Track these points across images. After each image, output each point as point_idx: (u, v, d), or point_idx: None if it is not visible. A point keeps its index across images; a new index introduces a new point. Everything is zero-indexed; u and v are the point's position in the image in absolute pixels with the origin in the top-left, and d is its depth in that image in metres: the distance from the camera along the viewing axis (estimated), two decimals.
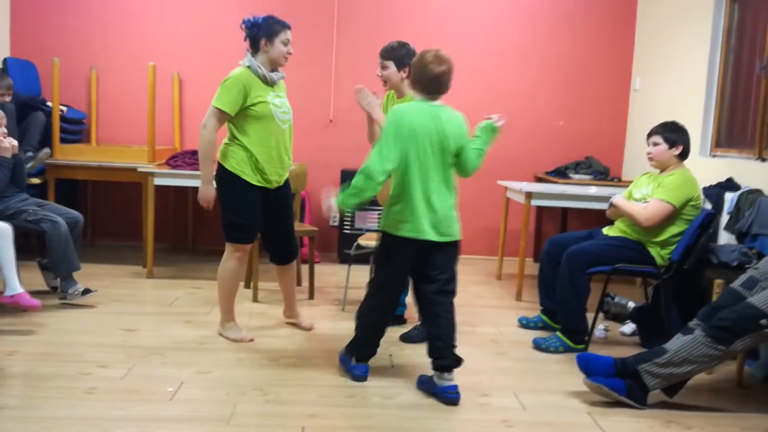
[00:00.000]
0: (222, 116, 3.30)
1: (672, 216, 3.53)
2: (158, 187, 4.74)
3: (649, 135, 3.71)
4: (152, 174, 4.64)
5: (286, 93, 3.51)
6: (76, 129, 5.52)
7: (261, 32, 3.31)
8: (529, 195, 4.56)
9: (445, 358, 2.87)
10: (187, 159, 4.79)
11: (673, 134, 3.64)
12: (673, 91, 5.21)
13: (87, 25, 5.63)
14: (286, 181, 3.54)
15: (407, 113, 2.89)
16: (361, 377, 3.04)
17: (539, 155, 5.97)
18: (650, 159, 3.71)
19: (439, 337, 2.89)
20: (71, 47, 5.59)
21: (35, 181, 4.86)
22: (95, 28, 5.64)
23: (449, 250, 2.95)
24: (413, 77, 2.97)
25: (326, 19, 5.74)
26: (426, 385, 2.95)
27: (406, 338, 3.63)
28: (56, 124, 5.02)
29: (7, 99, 4.74)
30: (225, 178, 3.35)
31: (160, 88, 5.38)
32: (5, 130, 3.96)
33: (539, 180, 5.81)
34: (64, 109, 5.24)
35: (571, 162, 5.85)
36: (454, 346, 2.90)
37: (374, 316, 3.06)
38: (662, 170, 3.70)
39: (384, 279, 3.02)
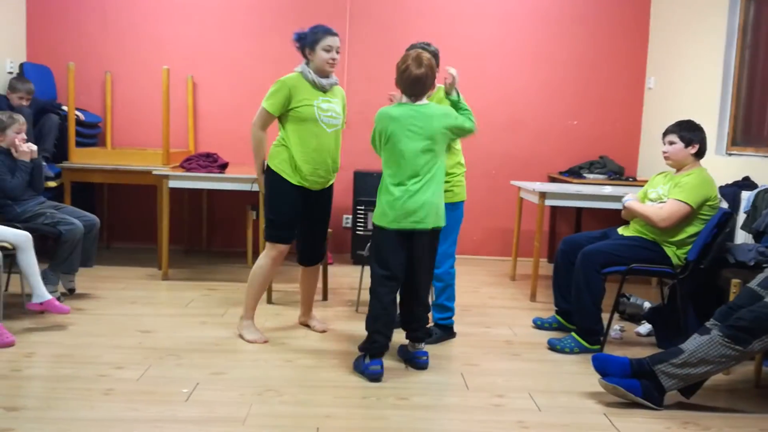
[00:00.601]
0: (267, 116, 3.42)
1: (689, 216, 3.50)
2: (173, 190, 4.77)
3: (665, 134, 3.68)
4: (167, 177, 4.67)
5: (343, 100, 3.59)
6: (91, 133, 5.57)
7: (306, 42, 3.42)
8: (543, 195, 4.53)
9: (420, 331, 3.26)
10: (201, 161, 4.82)
11: (689, 133, 3.60)
12: (687, 89, 5.17)
13: (101, 30, 5.68)
14: (330, 186, 3.60)
15: (386, 116, 3.09)
16: (375, 375, 3.04)
17: (553, 155, 5.95)
18: (666, 158, 3.68)
19: (418, 315, 3.24)
20: (86, 52, 5.64)
21: (52, 184, 4.91)
22: (110, 32, 5.69)
23: (431, 238, 3.17)
24: (396, 79, 3.13)
25: (338, 22, 5.74)
26: (402, 353, 3.34)
27: None
28: (72, 127, 5.07)
29: (25, 103, 4.81)
30: (269, 176, 3.48)
31: (173, 91, 5.42)
32: (24, 136, 4.03)
33: (553, 180, 5.78)
34: (81, 115, 5.29)
35: (585, 162, 5.82)
36: (427, 322, 3.32)
37: (379, 306, 3.10)
38: (678, 169, 3.67)
39: (378, 267, 3.11)
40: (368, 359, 3.09)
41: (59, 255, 4.01)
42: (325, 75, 3.44)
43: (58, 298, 4.01)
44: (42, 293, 3.60)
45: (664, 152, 3.67)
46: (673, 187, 3.59)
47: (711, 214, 3.53)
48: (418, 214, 3.06)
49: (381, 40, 5.70)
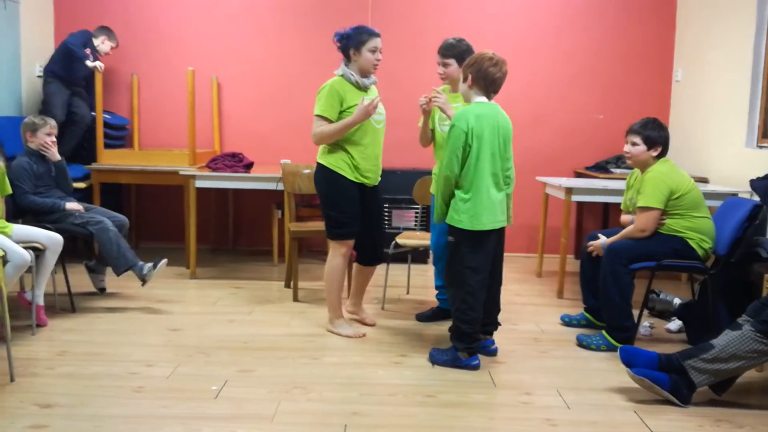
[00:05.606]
0: (326, 122, 3.46)
1: (662, 214, 3.47)
2: (199, 190, 4.82)
3: (628, 133, 3.63)
4: (193, 177, 4.72)
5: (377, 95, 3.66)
6: (119, 135, 5.66)
7: (350, 43, 3.48)
8: (569, 191, 4.49)
9: (492, 324, 3.44)
10: (227, 161, 4.86)
11: (654, 132, 3.55)
12: (716, 81, 5.08)
13: (127, 33, 5.74)
14: (379, 184, 3.67)
15: (476, 114, 3.10)
16: (478, 367, 3.19)
17: (579, 150, 5.88)
18: (627, 158, 3.64)
19: (490, 310, 3.37)
20: (113, 55, 5.70)
21: (81, 185, 4.99)
22: (135, 35, 5.76)
23: (504, 235, 3.36)
24: (474, 76, 3.16)
25: (360, 18, 5.73)
26: None
27: (422, 318, 3.93)
28: (100, 130, 5.15)
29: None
30: (325, 176, 3.53)
31: (198, 92, 5.47)
32: (54, 139, 4.12)
33: (579, 175, 5.72)
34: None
35: (611, 156, 5.75)
36: (498, 314, 3.46)
37: (478, 307, 3.17)
38: (642, 170, 3.62)
39: (477, 269, 3.15)
40: (466, 355, 3.19)
41: (108, 256, 4.03)
42: (367, 75, 3.51)
43: (154, 265, 4.09)
44: (39, 294, 3.65)
45: (626, 152, 3.64)
46: (636, 193, 3.58)
47: (691, 195, 3.46)
48: (508, 212, 3.27)
49: (403, 35, 5.69)
